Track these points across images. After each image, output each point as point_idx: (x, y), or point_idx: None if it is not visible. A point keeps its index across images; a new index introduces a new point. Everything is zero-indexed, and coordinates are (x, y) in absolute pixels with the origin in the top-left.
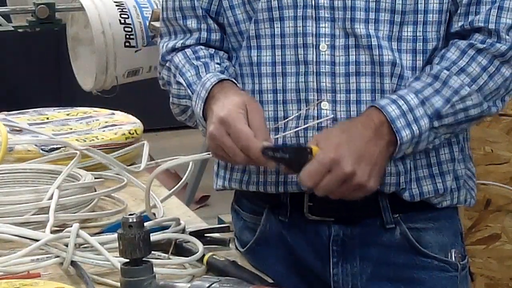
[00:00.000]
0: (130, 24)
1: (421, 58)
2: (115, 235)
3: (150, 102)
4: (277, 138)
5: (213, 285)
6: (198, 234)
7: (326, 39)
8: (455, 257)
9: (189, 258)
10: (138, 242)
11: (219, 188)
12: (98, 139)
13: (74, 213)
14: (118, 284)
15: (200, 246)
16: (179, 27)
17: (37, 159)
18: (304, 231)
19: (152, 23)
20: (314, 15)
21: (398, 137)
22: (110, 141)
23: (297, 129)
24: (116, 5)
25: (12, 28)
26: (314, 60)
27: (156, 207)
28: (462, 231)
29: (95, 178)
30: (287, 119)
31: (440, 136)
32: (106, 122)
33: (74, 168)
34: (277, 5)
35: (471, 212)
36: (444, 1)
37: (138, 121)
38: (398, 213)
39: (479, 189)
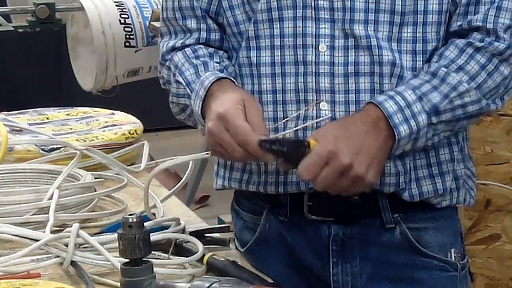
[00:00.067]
0: (130, 24)
1: (421, 58)
2: (115, 235)
3: (150, 102)
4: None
5: (213, 285)
6: (198, 234)
7: (326, 39)
8: (454, 256)
9: (189, 258)
10: (138, 242)
11: (219, 187)
12: (98, 139)
13: (74, 213)
14: (118, 284)
15: (200, 246)
16: (179, 27)
17: (37, 159)
18: (303, 231)
19: (152, 23)
20: (313, 16)
21: (395, 132)
22: (110, 141)
23: (295, 128)
24: (116, 5)
25: (12, 28)
26: (313, 60)
27: (156, 207)
28: (461, 231)
29: (95, 178)
30: (286, 119)
31: (439, 133)
32: (106, 122)
33: (74, 168)
34: (276, 6)
35: (471, 212)
36: (444, 2)
37: (138, 121)
38: (397, 212)
39: (479, 189)
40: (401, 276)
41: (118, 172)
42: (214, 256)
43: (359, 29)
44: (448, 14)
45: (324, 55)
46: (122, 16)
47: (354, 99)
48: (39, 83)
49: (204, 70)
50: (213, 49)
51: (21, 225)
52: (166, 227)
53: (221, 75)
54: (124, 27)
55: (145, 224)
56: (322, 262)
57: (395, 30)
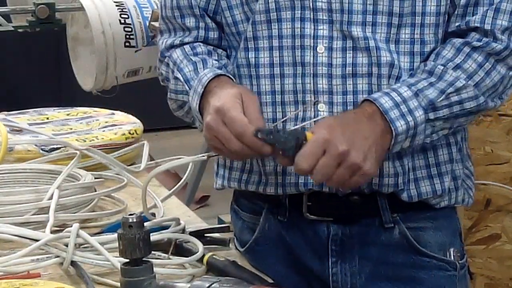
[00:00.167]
0: (130, 24)
1: (419, 60)
2: (115, 235)
3: (150, 102)
4: None
5: (213, 285)
6: (198, 234)
7: (324, 41)
8: (454, 256)
9: (189, 258)
10: (138, 242)
11: (218, 187)
12: (98, 139)
13: (74, 213)
14: (118, 284)
15: (200, 246)
16: (178, 25)
17: (37, 159)
18: (303, 231)
19: (152, 23)
20: (312, 17)
21: (392, 128)
22: (110, 141)
23: (293, 128)
24: (116, 5)
25: (12, 28)
26: (312, 61)
27: (156, 207)
28: (461, 230)
29: (95, 178)
30: (284, 118)
31: (438, 131)
32: (106, 122)
33: (74, 168)
34: (274, 7)
35: (471, 212)
36: (442, 4)
37: (138, 121)
38: (396, 212)
39: (479, 189)
40: (400, 276)
41: (118, 172)
42: (214, 256)
43: (357, 31)
44: (446, 15)
45: (322, 56)
46: (122, 16)
47: (352, 100)
48: (39, 83)
49: (203, 67)
50: (212, 47)
51: (21, 225)
52: (166, 227)
53: (220, 72)
54: (124, 27)
55: (145, 224)
56: (322, 262)
57: (393, 32)
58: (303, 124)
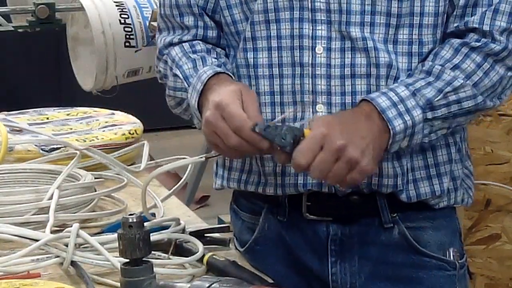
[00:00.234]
0: (130, 24)
1: (417, 60)
2: (115, 235)
3: (150, 102)
4: None
5: (213, 285)
6: (198, 234)
7: (322, 41)
8: (453, 255)
9: (189, 258)
10: (138, 242)
11: (218, 187)
12: (98, 139)
13: (74, 213)
14: (118, 284)
15: (200, 246)
16: (177, 24)
17: (37, 159)
18: (302, 231)
19: (152, 23)
20: (310, 18)
21: (390, 127)
22: (110, 141)
23: None
24: (116, 5)
25: (12, 28)
26: (310, 62)
27: (156, 207)
28: (460, 230)
29: (95, 178)
30: (281, 117)
31: (436, 130)
32: (106, 122)
33: (74, 168)
34: (273, 7)
35: (471, 212)
36: (440, 4)
37: (138, 121)
38: (396, 212)
39: (479, 189)
40: (400, 276)
41: (118, 172)
42: (214, 256)
43: (355, 31)
44: (445, 16)
45: (321, 57)
46: (122, 16)
47: (350, 101)
48: (39, 83)
49: (202, 64)
50: (211, 45)
51: (21, 225)
52: (166, 227)
53: (219, 69)
54: (124, 27)
55: (145, 224)
56: (321, 262)
57: (391, 32)
58: (302, 122)
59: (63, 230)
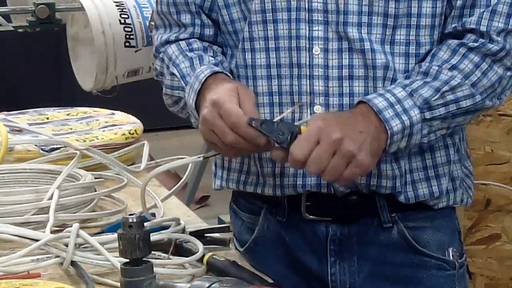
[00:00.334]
0: (130, 24)
1: (414, 61)
2: (115, 235)
3: (150, 102)
4: None
5: (213, 285)
6: (198, 234)
7: (319, 42)
8: (452, 255)
9: (189, 258)
10: (138, 242)
11: (217, 188)
12: (98, 139)
13: (74, 213)
14: (118, 284)
15: (200, 246)
16: (173, 21)
17: (37, 159)
18: (301, 231)
19: (152, 23)
20: (307, 18)
21: (387, 127)
22: (110, 141)
23: None
24: (116, 5)
25: (12, 28)
26: (307, 63)
27: (156, 207)
28: (460, 229)
29: (95, 178)
30: (279, 117)
31: (435, 131)
32: (106, 122)
33: (74, 168)
34: (270, 7)
35: (471, 212)
36: (438, 5)
37: (138, 121)
38: (395, 212)
39: (479, 189)
40: (399, 275)
41: (118, 172)
42: (214, 256)
43: (352, 32)
44: (442, 17)
45: (318, 58)
46: (122, 16)
47: (348, 103)
48: (39, 83)
49: (199, 63)
50: (208, 43)
51: (21, 225)
52: (166, 227)
53: (217, 69)
54: (124, 27)
55: (145, 224)
56: (320, 262)
57: (388, 33)
58: (300, 122)
59: (63, 230)
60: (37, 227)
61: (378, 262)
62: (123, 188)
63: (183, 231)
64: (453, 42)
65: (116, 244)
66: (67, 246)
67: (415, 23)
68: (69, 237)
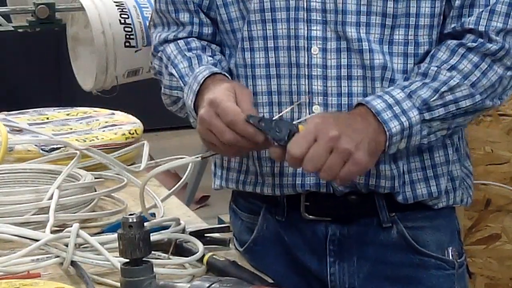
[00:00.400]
0: (130, 24)
1: (412, 61)
2: (115, 235)
3: (150, 102)
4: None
5: (213, 285)
6: (198, 234)
7: (318, 42)
8: (452, 255)
9: (189, 258)
10: (138, 242)
11: (217, 187)
12: (98, 139)
13: (74, 213)
14: (118, 284)
15: (200, 246)
16: (172, 19)
17: (37, 159)
18: (301, 231)
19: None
20: (305, 18)
21: (386, 129)
22: (110, 141)
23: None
24: (116, 5)
25: (12, 28)
26: (306, 63)
27: (156, 207)
28: (459, 229)
29: (95, 178)
30: (277, 116)
31: (435, 131)
32: (106, 122)
33: (74, 168)
34: (269, 7)
35: (471, 212)
36: (436, 5)
37: (138, 121)
38: (394, 212)
39: (479, 189)
40: (399, 275)
41: (118, 172)
42: (214, 256)
43: (351, 32)
44: (441, 17)
45: (317, 57)
46: (122, 16)
47: (346, 103)
48: (39, 83)
49: (198, 63)
50: (206, 42)
51: (21, 225)
52: (166, 227)
53: (215, 70)
54: (124, 27)
55: (145, 224)
56: (320, 262)
57: (386, 33)
58: (298, 121)
59: (63, 230)
60: (37, 227)
61: (378, 262)
62: (123, 188)
63: (183, 231)
64: (452, 43)
65: (116, 244)
66: (67, 246)
67: (414, 23)
68: (69, 237)
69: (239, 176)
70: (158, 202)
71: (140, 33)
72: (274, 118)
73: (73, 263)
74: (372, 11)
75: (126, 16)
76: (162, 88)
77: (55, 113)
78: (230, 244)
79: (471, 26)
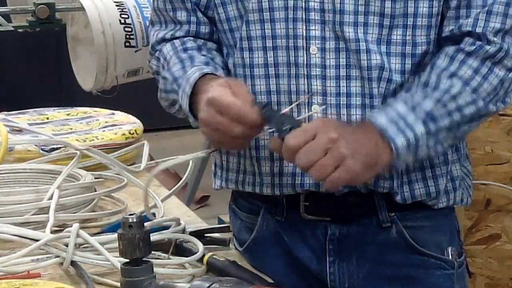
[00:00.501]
0: (130, 24)
1: (410, 61)
2: (115, 235)
3: (150, 102)
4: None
5: (213, 285)
6: (198, 234)
7: (316, 41)
8: (451, 254)
9: (189, 258)
10: (138, 242)
11: (217, 188)
12: (98, 139)
13: (74, 213)
14: (118, 284)
15: (200, 246)
16: (169, 18)
17: (37, 159)
18: (300, 231)
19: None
20: (304, 17)
21: (392, 145)
22: (110, 141)
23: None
24: (116, 5)
25: (12, 28)
26: (305, 62)
27: (156, 207)
28: (459, 228)
29: (95, 178)
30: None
31: (442, 141)
32: (106, 122)
33: (74, 168)
34: (268, 6)
35: (471, 212)
36: (434, 5)
37: (138, 121)
38: (394, 212)
39: (479, 189)
40: (398, 275)
41: (118, 172)
42: (214, 256)
43: (349, 32)
44: (439, 17)
45: (315, 57)
46: (122, 16)
47: (345, 103)
48: (39, 83)
49: (190, 64)
50: (202, 41)
51: (21, 225)
52: (167, 227)
53: (206, 70)
54: (124, 27)
55: (146, 224)
56: (319, 262)
57: (384, 33)
58: (302, 117)
59: (63, 230)
60: (37, 227)
61: (377, 261)
62: (123, 188)
63: (183, 231)
64: (450, 49)
65: (116, 244)
66: (67, 246)
67: (412, 23)
68: (69, 237)
69: (238, 176)
70: (158, 202)
71: (140, 33)
72: (281, 112)
73: (73, 263)
74: (370, 11)
75: (126, 16)
76: (159, 93)
77: (55, 113)
78: (230, 244)
79: (469, 29)
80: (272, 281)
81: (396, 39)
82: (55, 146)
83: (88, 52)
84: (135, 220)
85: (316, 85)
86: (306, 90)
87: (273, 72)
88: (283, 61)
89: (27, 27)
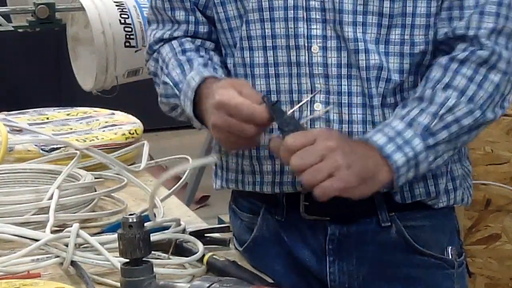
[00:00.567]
0: (130, 24)
1: (408, 61)
2: (115, 235)
3: (150, 102)
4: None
5: (213, 285)
6: (198, 234)
7: (318, 40)
8: (451, 254)
9: (189, 258)
10: (138, 242)
11: (218, 188)
12: (98, 139)
13: (74, 213)
14: (118, 284)
15: (200, 246)
16: (167, 17)
17: (37, 159)
18: (300, 231)
19: None
20: (305, 17)
21: (390, 162)
22: (110, 141)
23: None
24: (116, 5)
25: (12, 28)
26: (307, 61)
27: (156, 207)
28: (459, 228)
29: (95, 178)
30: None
31: (442, 154)
32: (106, 122)
33: (74, 168)
34: (267, 6)
35: (471, 212)
36: (432, 5)
37: (138, 121)
38: (393, 211)
39: (479, 189)
40: (398, 275)
41: (118, 172)
42: (214, 256)
43: (348, 31)
44: (437, 16)
45: (317, 56)
46: (122, 16)
47: (347, 102)
48: (39, 83)
49: (190, 68)
50: (200, 40)
51: (21, 225)
52: (167, 227)
53: (205, 74)
54: (124, 27)
55: (146, 224)
56: (319, 261)
57: (383, 32)
58: (307, 118)
59: (63, 230)
60: (37, 227)
61: (377, 261)
62: (123, 188)
63: (183, 231)
64: (443, 59)
65: (116, 244)
66: (67, 246)
67: (410, 22)
68: (69, 237)
69: (237, 176)
70: (158, 202)
71: (140, 33)
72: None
73: (73, 263)
74: (368, 11)
75: (126, 16)
76: (159, 98)
77: (55, 113)
78: (230, 244)
79: (462, 31)
80: (272, 281)
81: (395, 39)
82: (55, 146)
83: (88, 52)
84: (135, 220)
85: (319, 83)
86: (309, 89)
87: (273, 72)
88: (283, 60)
89: (27, 27)
